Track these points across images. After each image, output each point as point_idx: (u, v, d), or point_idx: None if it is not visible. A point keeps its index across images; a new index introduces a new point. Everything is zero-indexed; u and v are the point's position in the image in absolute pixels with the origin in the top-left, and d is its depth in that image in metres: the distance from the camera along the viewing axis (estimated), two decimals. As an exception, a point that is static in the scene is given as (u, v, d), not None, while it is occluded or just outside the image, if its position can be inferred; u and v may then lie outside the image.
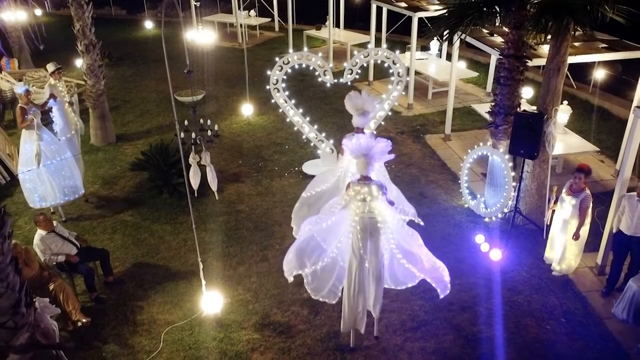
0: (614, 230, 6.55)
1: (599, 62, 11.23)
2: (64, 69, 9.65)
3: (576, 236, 6.64)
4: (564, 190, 6.74)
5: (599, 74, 11.73)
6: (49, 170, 7.97)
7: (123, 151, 10.67)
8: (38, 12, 21.09)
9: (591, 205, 6.62)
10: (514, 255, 7.27)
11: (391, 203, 5.48)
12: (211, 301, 6.18)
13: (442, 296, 5.70)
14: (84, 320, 6.15)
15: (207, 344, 6.04)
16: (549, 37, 7.01)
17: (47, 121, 8.95)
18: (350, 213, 5.43)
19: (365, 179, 5.32)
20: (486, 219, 8.15)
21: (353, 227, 5.43)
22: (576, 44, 8.81)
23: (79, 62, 11.09)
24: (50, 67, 8.76)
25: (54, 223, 6.69)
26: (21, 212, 8.44)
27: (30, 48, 14.57)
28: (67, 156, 8.24)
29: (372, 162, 5.26)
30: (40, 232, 6.51)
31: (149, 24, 20.28)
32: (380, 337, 6.06)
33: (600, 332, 6.11)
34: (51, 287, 6.11)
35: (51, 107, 8.72)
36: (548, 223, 7.12)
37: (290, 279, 5.69)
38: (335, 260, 5.67)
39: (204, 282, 6.19)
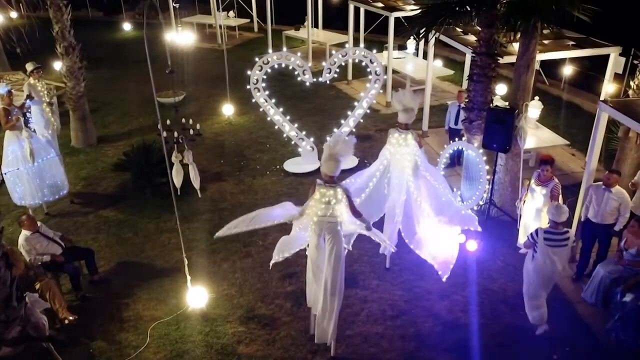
0: (582, 219, 6.86)
1: (569, 59, 11.60)
2: (42, 72, 9.63)
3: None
4: (532, 181, 7.03)
5: (568, 71, 12.12)
6: (31, 170, 8.00)
7: (104, 152, 10.70)
8: (13, 14, 20.79)
9: (561, 191, 6.91)
10: (489, 246, 7.52)
11: (357, 214, 5.45)
12: (196, 296, 6.31)
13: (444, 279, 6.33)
14: (70, 318, 6.21)
15: (193, 338, 6.18)
16: (519, 35, 7.30)
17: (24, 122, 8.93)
18: (310, 215, 5.41)
19: (331, 180, 5.30)
20: (462, 212, 8.38)
21: (311, 229, 5.47)
22: (545, 41, 9.13)
23: (57, 65, 11.06)
24: (29, 66, 8.75)
25: (38, 224, 6.74)
26: (3, 213, 8.44)
27: (22, 51, 14.44)
28: (50, 156, 8.27)
29: (340, 161, 5.23)
30: (24, 233, 6.56)
31: (127, 26, 20.18)
32: (337, 357, 5.88)
33: (570, 316, 6.42)
34: (37, 286, 6.17)
35: (29, 107, 8.73)
36: (520, 213, 7.40)
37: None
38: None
39: (189, 277, 6.31)
